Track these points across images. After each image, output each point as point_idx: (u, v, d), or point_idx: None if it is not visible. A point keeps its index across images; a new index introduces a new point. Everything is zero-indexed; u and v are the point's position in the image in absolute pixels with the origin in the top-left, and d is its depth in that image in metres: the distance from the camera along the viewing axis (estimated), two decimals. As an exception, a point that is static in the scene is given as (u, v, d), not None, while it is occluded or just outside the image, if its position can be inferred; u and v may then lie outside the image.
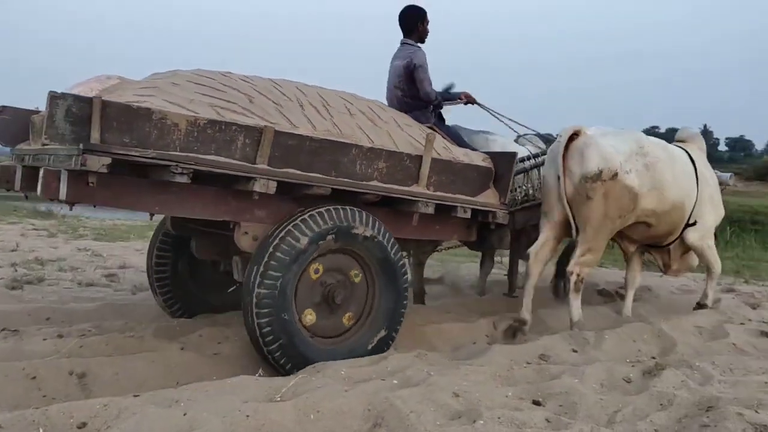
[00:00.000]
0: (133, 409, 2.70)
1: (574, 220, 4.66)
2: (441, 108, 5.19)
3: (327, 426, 2.79)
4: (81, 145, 2.92)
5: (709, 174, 5.39)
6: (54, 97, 2.95)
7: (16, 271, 6.01)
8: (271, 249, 3.53)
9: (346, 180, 3.74)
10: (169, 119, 3.18)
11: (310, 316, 3.76)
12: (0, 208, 14.64)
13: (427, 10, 5.12)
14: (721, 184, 5.60)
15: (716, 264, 5.42)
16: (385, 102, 5.01)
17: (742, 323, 5.04)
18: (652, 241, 5.36)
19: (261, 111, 3.57)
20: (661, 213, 4.86)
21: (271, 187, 3.45)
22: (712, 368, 3.76)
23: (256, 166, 3.42)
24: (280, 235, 3.56)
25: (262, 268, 3.51)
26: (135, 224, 11.69)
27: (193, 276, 4.74)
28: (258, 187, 3.40)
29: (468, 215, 4.35)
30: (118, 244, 8.97)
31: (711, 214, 5.32)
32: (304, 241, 3.59)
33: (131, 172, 3.23)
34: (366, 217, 3.86)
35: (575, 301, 4.70)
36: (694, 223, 5.17)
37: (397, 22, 5.08)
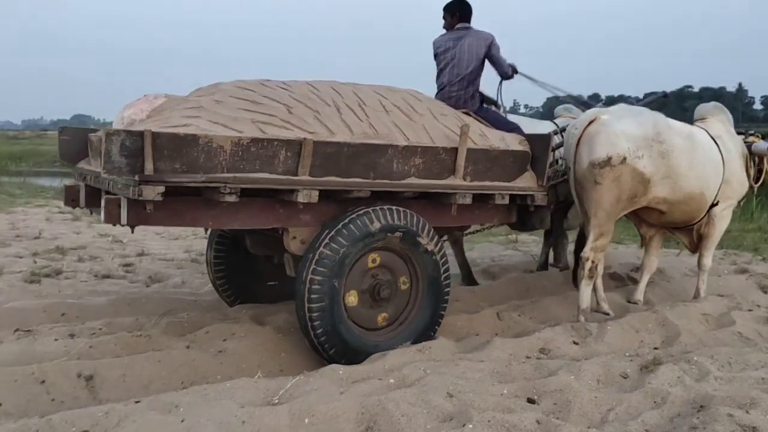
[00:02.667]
0: (134, 417, 2.80)
1: (582, 205, 4.73)
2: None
3: (320, 430, 2.87)
4: (137, 177, 3.12)
5: (734, 148, 5.24)
6: (109, 134, 3.12)
7: (35, 263, 6.19)
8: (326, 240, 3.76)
9: (384, 182, 3.88)
10: (214, 142, 3.33)
11: (352, 298, 3.92)
12: (28, 188, 15.06)
13: None
14: (758, 154, 5.45)
15: (714, 242, 5.37)
16: (447, 75, 5.12)
17: (750, 309, 5.02)
18: (672, 226, 5.36)
19: (300, 121, 3.71)
20: (674, 202, 4.83)
21: (314, 197, 3.61)
22: (710, 363, 3.77)
23: (298, 177, 3.58)
24: (345, 222, 3.79)
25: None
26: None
27: (247, 268, 4.95)
28: (301, 197, 3.57)
29: (506, 201, 4.44)
30: (140, 228, 9.14)
31: (736, 191, 5.27)
32: (377, 226, 3.80)
33: (184, 193, 3.41)
34: (432, 232, 4.06)
35: (587, 288, 4.72)
36: (718, 203, 5.13)
37: (452, 10, 5.20)
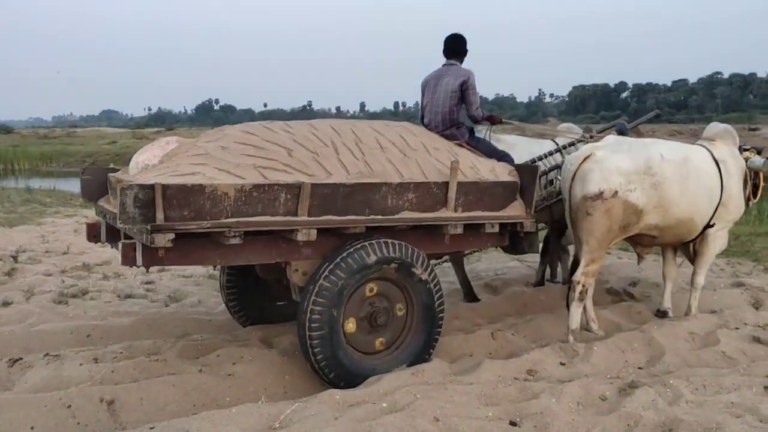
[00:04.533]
0: (149, 442, 3.15)
1: (576, 233, 5.00)
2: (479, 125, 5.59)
3: (315, 455, 3.20)
4: (149, 226, 3.46)
5: (735, 171, 5.40)
6: (123, 189, 3.46)
7: (63, 282, 6.60)
8: (325, 273, 4.06)
9: (378, 217, 4.18)
10: (219, 190, 3.66)
11: (351, 325, 4.23)
12: (58, 196, 15.59)
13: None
14: (753, 170, 5.59)
15: (707, 261, 5.58)
16: (428, 114, 5.39)
17: (737, 328, 5.22)
18: (665, 246, 5.61)
19: (299, 164, 4.04)
20: (664, 227, 5.09)
21: (312, 235, 3.93)
22: (685, 385, 4.02)
23: (297, 218, 3.90)
24: (343, 255, 4.09)
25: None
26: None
27: (258, 291, 5.30)
28: (300, 236, 3.90)
29: (496, 229, 4.71)
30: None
31: (731, 213, 5.45)
32: (373, 258, 4.10)
33: (193, 236, 3.74)
34: (426, 262, 4.35)
35: (576, 310, 4.99)
36: (714, 225, 5.34)
37: (444, 45, 5.43)
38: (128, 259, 3.72)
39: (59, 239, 9.15)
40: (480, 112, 5.28)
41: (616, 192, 4.77)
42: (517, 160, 5.34)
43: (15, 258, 7.72)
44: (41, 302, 5.90)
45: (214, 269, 6.69)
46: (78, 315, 5.56)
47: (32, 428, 3.50)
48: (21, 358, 4.35)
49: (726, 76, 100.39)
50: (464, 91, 5.19)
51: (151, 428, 3.35)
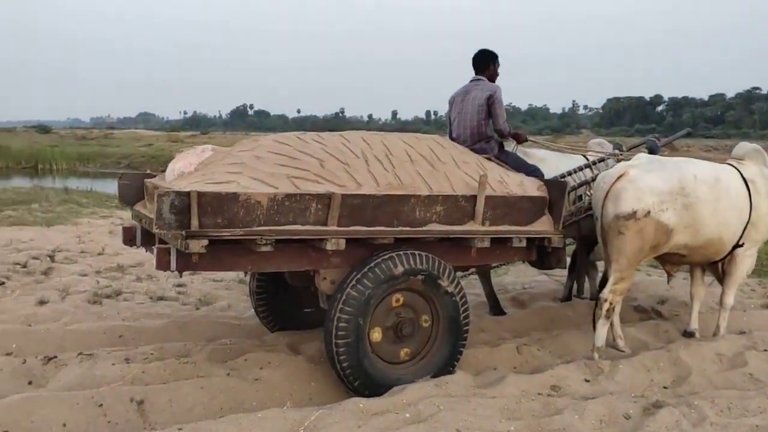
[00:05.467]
0: (176, 443, 3.24)
1: (606, 250, 5.01)
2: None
3: (338, 462, 3.25)
4: (184, 232, 3.56)
5: (764, 191, 5.35)
6: (160, 195, 3.57)
7: (98, 282, 6.77)
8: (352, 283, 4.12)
9: (406, 229, 4.24)
10: (253, 198, 3.75)
11: (377, 334, 4.29)
12: (95, 197, 15.93)
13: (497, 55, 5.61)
14: None
15: (736, 281, 5.52)
16: (456, 128, 5.46)
17: (765, 350, 5.16)
18: (693, 265, 5.58)
19: (330, 174, 4.11)
20: (694, 247, 5.07)
21: (341, 244, 4.01)
22: (710, 407, 3.99)
23: (327, 228, 3.97)
24: (371, 265, 4.15)
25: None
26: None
27: (285, 298, 5.40)
28: (330, 246, 3.97)
29: (524, 244, 4.74)
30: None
31: (761, 233, 5.40)
32: (400, 269, 4.17)
33: (226, 243, 3.82)
34: (452, 275, 4.41)
35: (602, 328, 4.98)
36: (743, 244, 5.31)
37: (472, 61, 5.56)
38: (163, 264, 3.83)
39: (95, 240, 9.37)
40: (506, 126, 5.32)
41: (649, 212, 4.77)
42: (547, 175, 5.36)
43: (52, 257, 7.94)
44: (76, 302, 6.07)
45: (245, 275, 6.79)
46: (111, 315, 5.70)
47: (65, 425, 3.61)
48: (55, 356, 4.48)
49: (765, 91, 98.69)
50: (490, 105, 5.25)
51: (180, 429, 3.43)
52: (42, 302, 6.05)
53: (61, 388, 4.04)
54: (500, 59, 5.64)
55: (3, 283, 6.68)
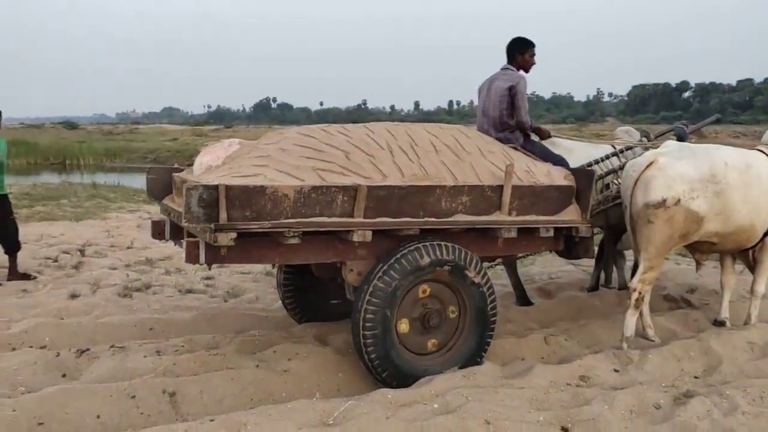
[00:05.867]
0: (208, 435, 3.28)
1: (635, 239, 4.97)
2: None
3: (368, 453, 3.27)
4: (213, 225, 3.60)
5: None
6: (189, 189, 3.61)
7: (128, 276, 6.87)
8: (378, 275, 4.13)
9: (432, 220, 4.24)
10: (280, 191, 3.78)
11: (404, 325, 4.30)
12: (122, 191, 16.13)
13: (534, 44, 5.47)
14: None
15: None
16: (481, 117, 5.41)
17: (798, 338, 5.09)
18: (724, 253, 5.50)
19: (356, 166, 4.13)
20: (724, 234, 5.01)
21: (368, 236, 4.02)
22: (741, 396, 3.94)
23: (353, 219, 3.99)
24: (397, 256, 4.16)
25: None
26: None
27: (313, 289, 5.44)
28: (356, 237, 3.99)
29: (551, 234, 4.71)
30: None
31: None
32: (426, 260, 4.17)
33: (254, 236, 3.86)
34: (479, 265, 4.39)
35: (632, 318, 4.93)
36: None
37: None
38: (192, 257, 3.87)
39: (123, 234, 9.51)
40: (528, 119, 5.23)
41: (679, 200, 4.71)
42: (574, 164, 5.31)
43: (82, 252, 8.08)
44: (107, 295, 6.17)
45: (272, 267, 6.84)
46: (141, 308, 5.79)
47: (98, 417, 3.67)
48: (88, 349, 4.57)
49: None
50: (512, 96, 5.17)
51: (211, 420, 3.47)
52: (73, 296, 6.16)
53: (94, 380, 4.12)
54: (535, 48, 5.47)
55: (35, 277, 6.80)
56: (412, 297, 4.30)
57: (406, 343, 4.33)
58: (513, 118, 5.23)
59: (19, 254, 6.90)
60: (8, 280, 6.75)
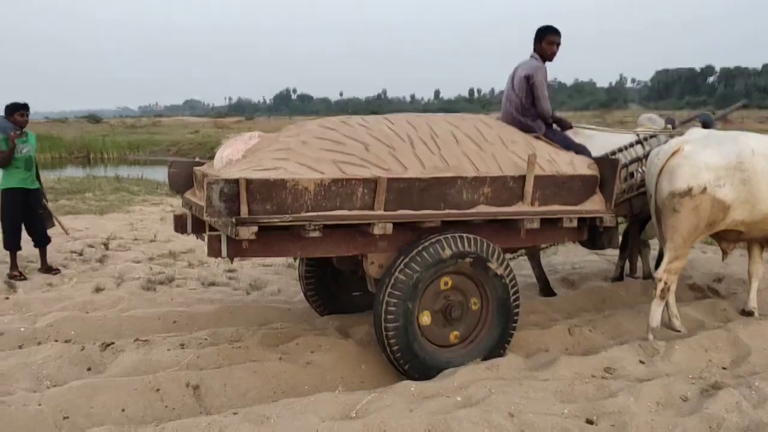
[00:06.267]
0: (232, 427, 3.29)
1: (660, 228, 4.90)
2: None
3: (391, 445, 3.25)
4: (234, 219, 3.60)
5: None
6: (210, 183, 3.61)
7: (151, 269, 6.93)
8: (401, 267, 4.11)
9: (453, 212, 4.21)
10: (300, 184, 3.78)
11: (426, 317, 4.28)
12: (146, 184, 16.25)
13: (559, 33, 5.26)
14: None
15: None
16: (503, 105, 5.31)
17: (829, 328, 4.98)
18: (751, 242, 5.41)
19: (376, 159, 4.11)
20: (751, 223, 4.91)
21: (388, 229, 4.01)
22: (771, 388, 3.87)
23: (374, 212, 3.97)
24: (418, 249, 4.12)
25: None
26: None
27: (335, 281, 5.46)
28: (377, 230, 3.98)
29: (574, 224, 4.66)
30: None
31: None
32: (448, 252, 4.14)
33: (275, 229, 3.87)
34: (501, 257, 4.35)
35: (657, 308, 4.87)
36: None
37: None
38: (214, 251, 3.88)
39: (147, 227, 9.58)
40: (548, 108, 5.07)
41: (705, 188, 4.63)
42: (598, 153, 5.23)
43: (106, 245, 8.16)
44: (131, 288, 6.22)
45: (294, 259, 6.86)
46: (165, 302, 5.83)
47: (123, 410, 3.70)
48: (113, 343, 4.59)
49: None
50: (530, 85, 5.03)
51: (235, 413, 3.48)
52: (98, 289, 6.22)
53: (119, 373, 4.14)
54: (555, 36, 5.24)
55: (58, 270, 6.87)
56: (434, 289, 4.28)
57: (428, 335, 4.30)
58: (534, 107, 5.14)
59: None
60: (39, 271, 6.88)
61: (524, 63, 5.23)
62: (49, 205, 7.29)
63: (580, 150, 5.02)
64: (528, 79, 5.06)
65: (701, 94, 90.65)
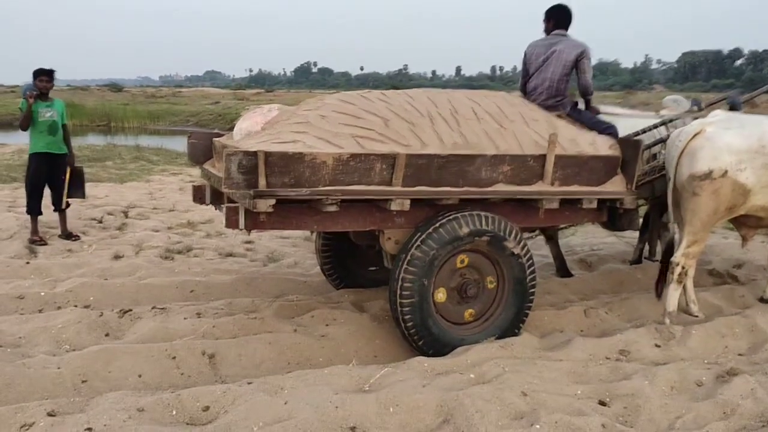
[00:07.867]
0: (246, 396, 3.32)
1: (679, 211, 4.83)
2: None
3: (403, 419, 3.27)
4: (252, 192, 3.60)
5: None
6: (228, 155, 3.61)
7: (170, 238, 6.98)
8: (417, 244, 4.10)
9: (471, 189, 4.18)
10: (318, 158, 3.77)
11: (441, 295, 4.28)
12: (165, 154, 16.32)
13: None
14: None
15: None
16: (534, 82, 5.19)
17: None
18: None
19: (395, 134, 4.07)
20: None
21: (406, 205, 4.00)
22: (788, 376, 3.84)
23: (392, 188, 3.96)
24: (435, 225, 4.11)
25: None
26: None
27: (351, 255, 5.45)
28: (394, 206, 3.97)
29: (594, 205, 4.63)
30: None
31: None
32: (465, 230, 4.13)
33: (293, 202, 3.88)
34: (519, 236, 4.33)
35: (674, 292, 4.82)
36: None
37: (550, 15, 5.20)
38: (232, 222, 3.90)
39: (166, 197, 9.65)
40: (591, 84, 5.07)
41: (726, 172, 4.56)
42: (622, 133, 5.15)
43: (126, 213, 8.22)
44: (149, 257, 6.28)
45: (311, 233, 6.87)
46: (183, 271, 5.87)
47: (140, 376, 3.75)
48: (130, 310, 4.66)
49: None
50: (580, 60, 4.97)
51: (249, 383, 3.52)
52: (117, 257, 6.29)
53: (136, 340, 4.20)
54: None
55: (78, 237, 6.94)
56: (450, 266, 4.27)
57: (443, 313, 4.31)
58: (568, 86, 5.06)
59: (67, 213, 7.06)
60: (59, 237, 6.94)
61: (561, 41, 5.08)
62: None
63: (606, 129, 4.93)
64: (579, 56, 4.98)
65: (728, 77, 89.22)
